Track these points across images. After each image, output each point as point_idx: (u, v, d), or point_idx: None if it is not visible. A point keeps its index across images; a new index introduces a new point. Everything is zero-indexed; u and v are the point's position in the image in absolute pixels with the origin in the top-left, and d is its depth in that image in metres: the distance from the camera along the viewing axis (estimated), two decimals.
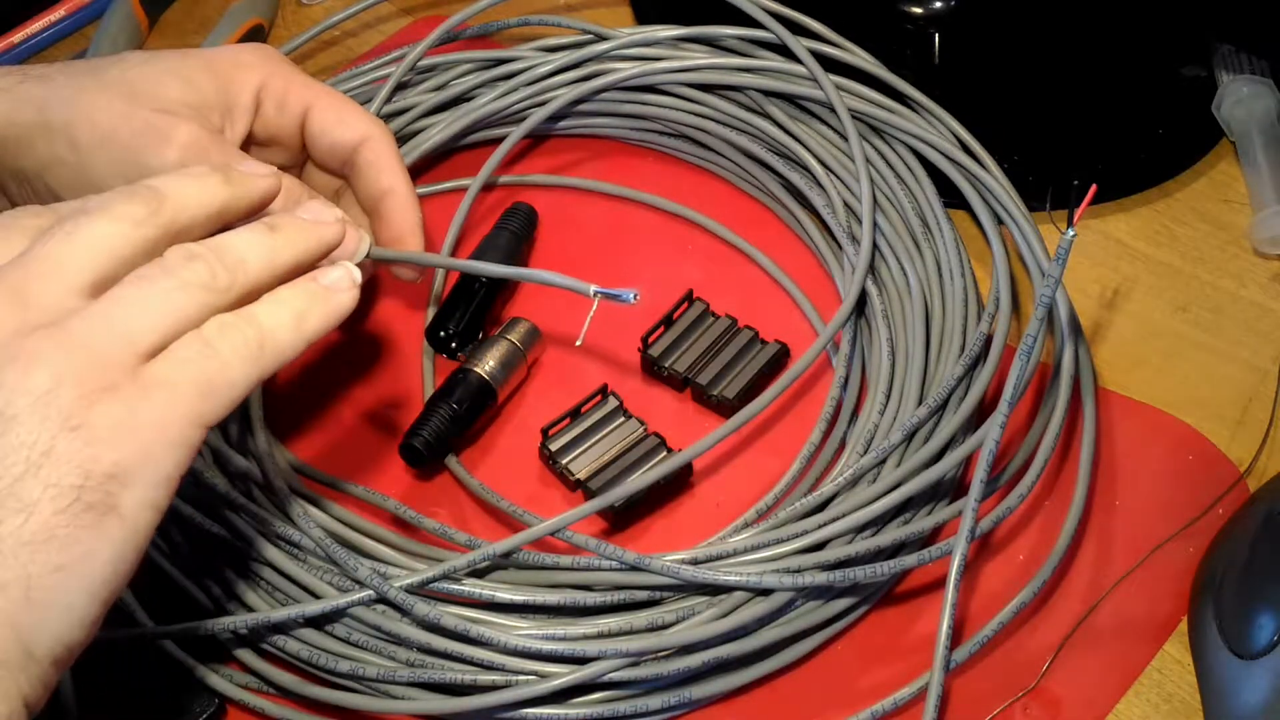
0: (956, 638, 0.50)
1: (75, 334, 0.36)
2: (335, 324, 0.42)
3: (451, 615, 0.48)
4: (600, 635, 0.48)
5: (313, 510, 0.52)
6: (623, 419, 0.57)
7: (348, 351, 0.61)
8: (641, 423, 0.56)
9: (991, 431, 0.48)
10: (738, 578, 0.48)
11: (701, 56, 0.65)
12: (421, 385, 0.59)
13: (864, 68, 0.65)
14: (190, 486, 0.52)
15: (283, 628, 0.49)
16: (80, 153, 0.49)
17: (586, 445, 0.56)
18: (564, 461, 0.55)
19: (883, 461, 0.52)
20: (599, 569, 0.49)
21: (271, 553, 0.50)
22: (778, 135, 0.64)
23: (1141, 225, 0.65)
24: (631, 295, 0.43)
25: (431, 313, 0.60)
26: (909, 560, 0.49)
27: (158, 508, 0.37)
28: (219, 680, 0.50)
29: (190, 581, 0.51)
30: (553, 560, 0.50)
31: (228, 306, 0.39)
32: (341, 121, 0.54)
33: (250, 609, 0.50)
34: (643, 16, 0.74)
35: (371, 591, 0.49)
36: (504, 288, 0.62)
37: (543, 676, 0.47)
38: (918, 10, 0.73)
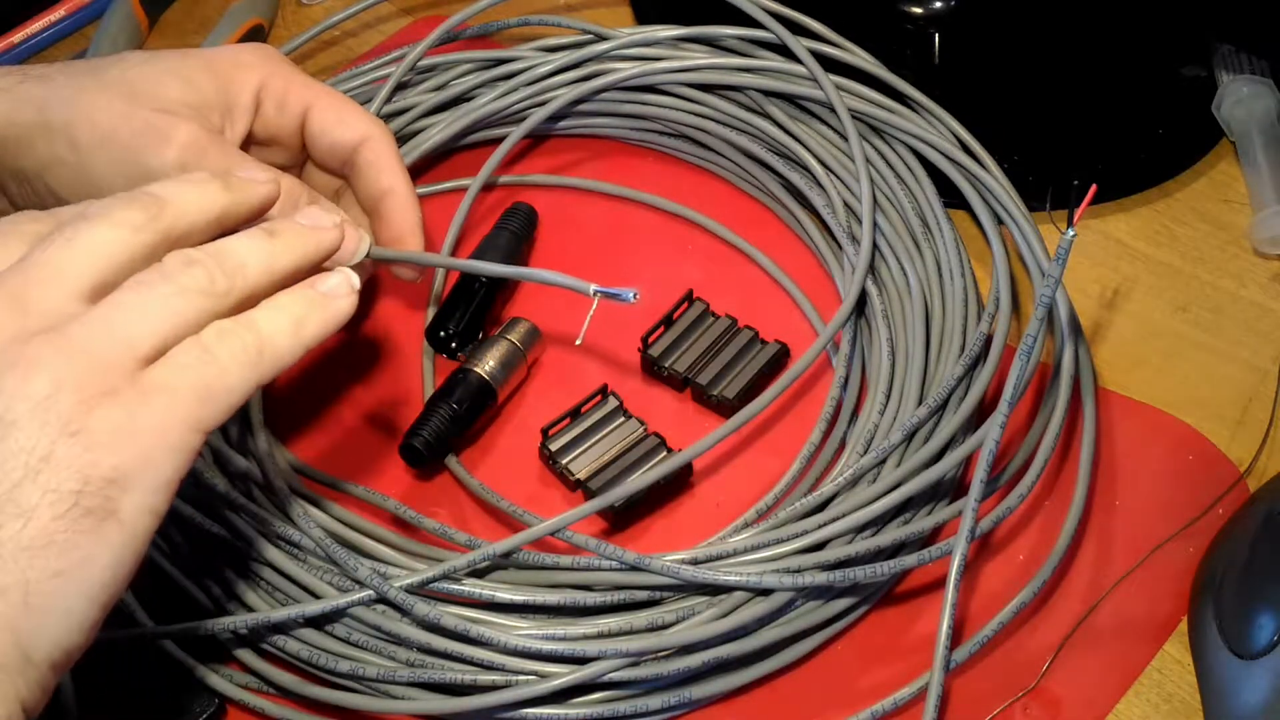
0: (956, 638, 0.50)
1: (75, 339, 0.36)
2: (333, 330, 0.42)
3: (451, 615, 0.48)
4: (600, 635, 0.48)
5: (313, 510, 0.52)
6: (623, 419, 0.57)
7: (348, 352, 0.61)
8: (641, 423, 0.56)
9: (991, 431, 0.48)
10: (738, 578, 0.48)
11: (701, 56, 0.65)
12: (421, 385, 0.59)
13: (864, 68, 0.65)
14: (190, 487, 0.52)
15: (283, 628, 0.49)
16: (80, 153, 0.49)
17: (586, 445, 0.56)
18: (564, 461, 0.55)
19: (883, 461, 0.52)
20: (599, 569, 0.49)
21: (272, 553, 0.50)
22: (778, 135, 0.64)
23: (1141, 225, 0.65)
24: (631, 294, 0.43)
25: (431, 313, 0.60)
26: (909, 560, 0.49)
27: (157, 513, 0.37)
28: (219, 680, 0.50)
29: (190, 581, 0.51)
30: (553, 560, 0.50)
31: (227, 312, 0.39)
32: (341, 121, 0.54)
33: (250, 609, 0.50)
34: (643, 16, 0.74)
35: (371, 591, 0.49)
36: (504, 288, 0.62)
37: (543, 676, 0.47)
38: (918, 10, 0.73)
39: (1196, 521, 0.53)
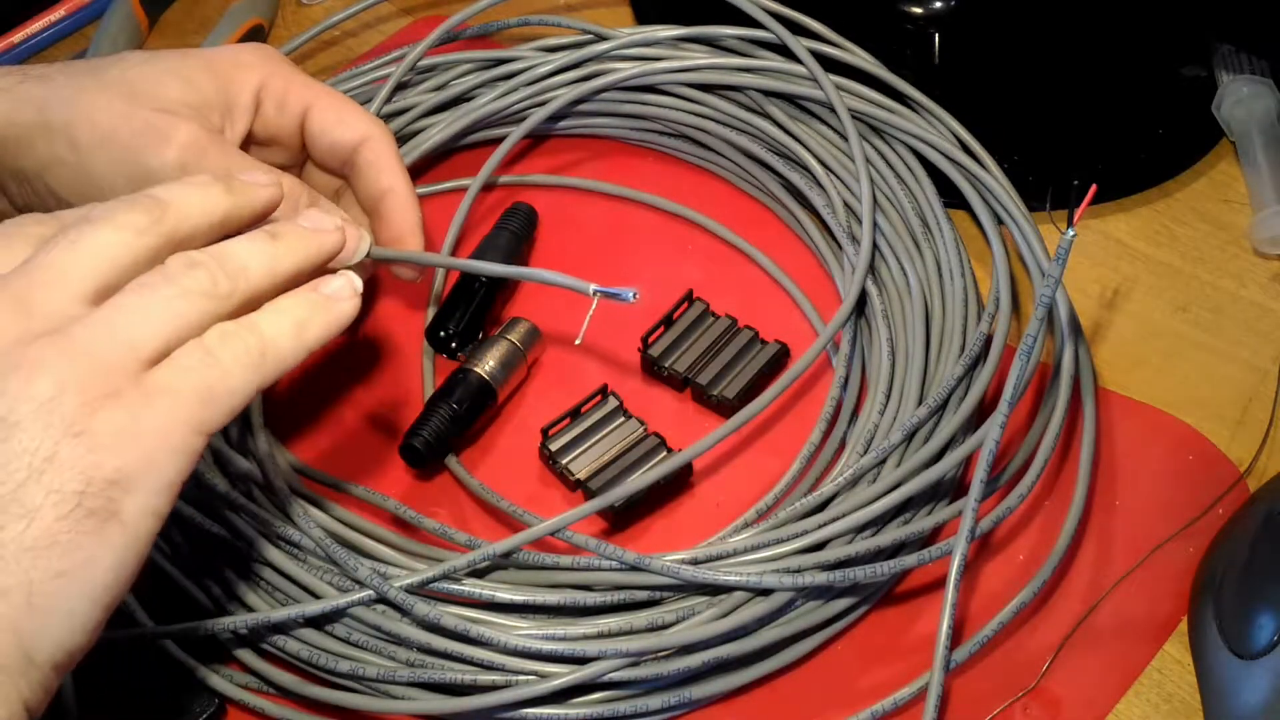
0: (956, 638, 0.50)
1: (78, 341, 0.37)
2: (336, 333, 0.42)
3: (451, 615, 0.48)
4: (600, 635, 0.48)
5: (313, 510, 0.52)
6: (623, 419, 0.57)
7: (348, 352, 0.61)
8: (641, 423, 0.56)
9: (991, 431, 0.48)
10: (738, 578, 0.48)
11: (701, 56, 0.65)
12: (421, 385, 0.59)
13: (864, 68, 0.65)
14: (191, 487, 0.52)
15: (283, 628, 0.49)
16: (80, 153, 0.49)
17: (586, 445, 0.56)
18: (564, 461, 0.55)
19: (883, 461, 0.52)
20: (599, 569, 0.49)
21: (272, 553, 0.50)
22: (778, 135, 0.64)
23: (1141, 225, 0.65)
24: (631, 294, 0.43)
25: (431, 313, 0.60)
26: (909, 560, 0.49)
27: (159, 514, 0.37)
28: (219, 680, 0.50)
29: (190, 582, 0.51)
30: (553, 560, 0.50)
31: (229, 314, 0.40)
32: (341, 121, 0.54)
33: (250, 609, 0.50)
34: (643, 16, 0.74)
35: (371, 591, 0.49)
36: (504, 288, 0.62)
37: (543, 676, 0.47)
38: (918, 10, 0.73)
39: (1196, 521, 0.53)
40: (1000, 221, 0.60)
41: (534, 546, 0.51)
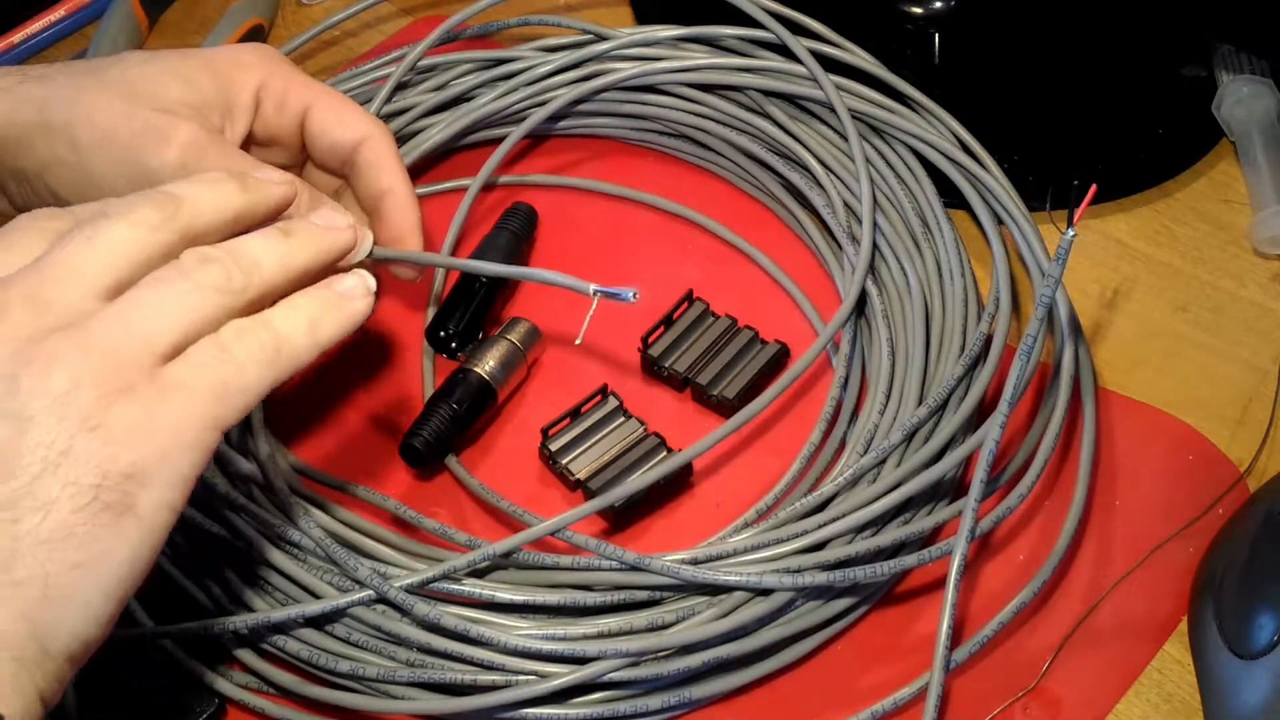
0: (956, 638, 0.50)
1: (94, 336, 0.37)
2: (349, 331, 0.42)
3: (451, 615, 0.48)
4: (600, 635, 0.48)
5: (313, 511, 0.52)
6: (623, 419, 0.57)
7: (348, 352, 0.61)
8: (641, 423, 0.56)
9: (991, 431, 0.48)
10: (738, 578, 0.48)
11: (701, 56, 0.65)
12: (421, 385, 0.59)
13: (864, 68, 0.65)
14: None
15: (283, 628, 0.49)
16: (80, 153, 0.49)
17: (586, 445, 0.56)
18: (564, 461, 0.55)
19: (883, 461, 0.52)
20: (599, 569, 0.49)
21: (272, 553, 0.50)
22: (778, 135, 0.64)
23: (1141, 225, 0.65)
24: (631, 294, 0.43)
25: (431, 313, 0.60)
26: (909, 560, 0.49)
27: (174, 508, 0.38)
28: (219, 680, 0.50)
29: (191, 582, 0.51)
30: (553, 560, 0.50)
31: (242, 309, 0.40)
32: (341, 121, 0.54)
33: (250, 609, 0.50)
34: (643, 16, 0.74)
35: (371, 591, 0.49)
36: (504, 288, 0.62)
37: (543, 676, 0.47)
38: (918, 10, 0.73)
39: (1196, 521, 0.53)
40: (1000, 221, 0.60)
41: (534, 546, 0.51)
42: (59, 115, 0.49)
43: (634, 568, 0.49)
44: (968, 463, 0.54)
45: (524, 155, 0.69)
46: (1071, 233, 0.46)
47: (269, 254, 0.41)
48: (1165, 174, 0.66)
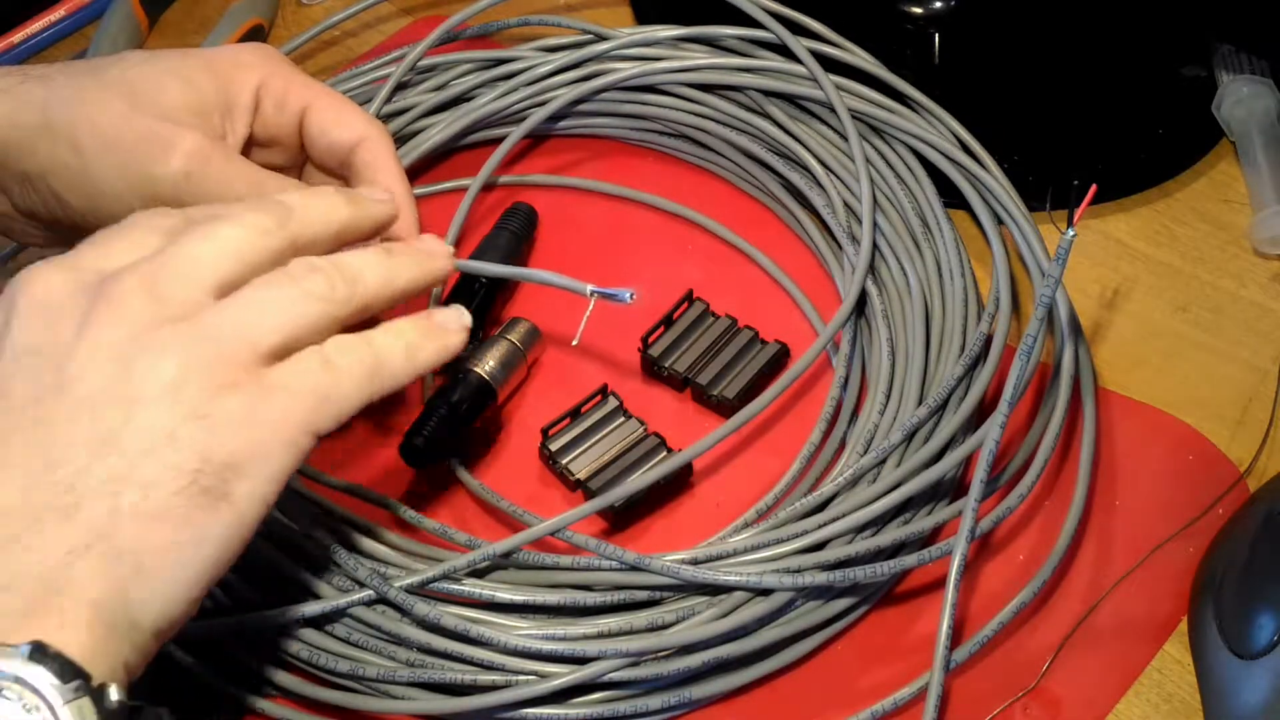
0: (956, 638, 0.50)
1: (205, 330, 0.39)
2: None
3: (451, 615, 0.48)
4: (600, 635, 0.48)
5: (313, 511, 0.52)
6: (623, 419, 0.57)
7: None
8: (641, 423, 0.56)
9: (991, 431, 0.48)
10: (738, 578, 0.48)
11: (701, 56, 0.65)
12: (421, 385, 0.59)
13: (864, 68, 0.65)
14: None
15: (283, 628, 0.49)
16: (84, 157, 0.49)
17: (586, 445, 0.56)
18: (564, 461, 0.55)
19: (883, 461, 0.52)
20: (599, 569, 0.49)
21: (272, 553, 0.50)
22: (778, 135, 0.64)
23: (1141, 225, 0.65)
24: (628, 295, 0.43)
25: None
26: (909, 560, 0.49)
27: (266, 502, 0.39)
28: (219, 681, 0.49)
29: None
30: (553, 560, 0.50)
31: (343, 320, 0.42)
32: (339, 121, 0.54)
33: (251, 609, 0.50)
34: (643, 16, 0.74)
35: (371, 591, 0.49)
36: (504, 288, 0.62)
37: (543, 676, 0.47)
38: (918, 10, 0.73)
39: (1196, 521, 0.53)
40: (1000, 221, 0.60)
41: (534, 546, 0.51)
42: (61, 117, 0.49)
43: (634, 568, 0.49)
44: (968, 463, 0.54)
45: (524, 155, 0.69)
46: (1071, 233, 0.46)
47: (372, 270, 0.43)
48: (1165, 174, 0.66)
